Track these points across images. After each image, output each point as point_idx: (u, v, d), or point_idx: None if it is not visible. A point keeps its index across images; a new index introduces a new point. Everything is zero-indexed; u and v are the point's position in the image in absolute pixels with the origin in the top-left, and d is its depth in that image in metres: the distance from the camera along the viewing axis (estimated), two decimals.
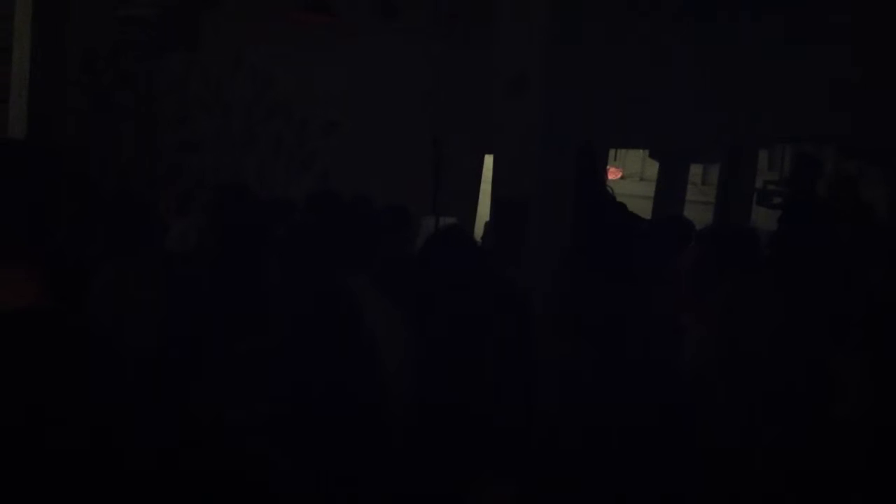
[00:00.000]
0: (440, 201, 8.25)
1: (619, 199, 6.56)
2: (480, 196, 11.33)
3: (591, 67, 5.83)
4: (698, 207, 12.53)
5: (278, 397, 3.18)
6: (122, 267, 4.42)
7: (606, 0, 6.53)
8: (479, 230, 9.42)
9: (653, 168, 14.12)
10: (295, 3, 9.27)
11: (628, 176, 16.94)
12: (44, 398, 2.75)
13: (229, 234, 4.45)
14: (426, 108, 10.10)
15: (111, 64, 8.64)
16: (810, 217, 6.34)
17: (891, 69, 8.82)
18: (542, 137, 4.98)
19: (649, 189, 13.49)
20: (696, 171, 13.62)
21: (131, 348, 3.16)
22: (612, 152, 15.40)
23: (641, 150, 15.03)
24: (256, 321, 3.58)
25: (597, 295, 3.90)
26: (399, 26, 9.81)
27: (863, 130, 10.01)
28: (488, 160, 10.11)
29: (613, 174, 14.69)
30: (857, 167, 13.66)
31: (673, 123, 10.92)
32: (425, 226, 7.17)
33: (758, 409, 3.28)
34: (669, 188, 12.79)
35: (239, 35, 9.44)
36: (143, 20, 7.73)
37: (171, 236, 4.80)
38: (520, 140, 4.96)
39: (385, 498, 3.09)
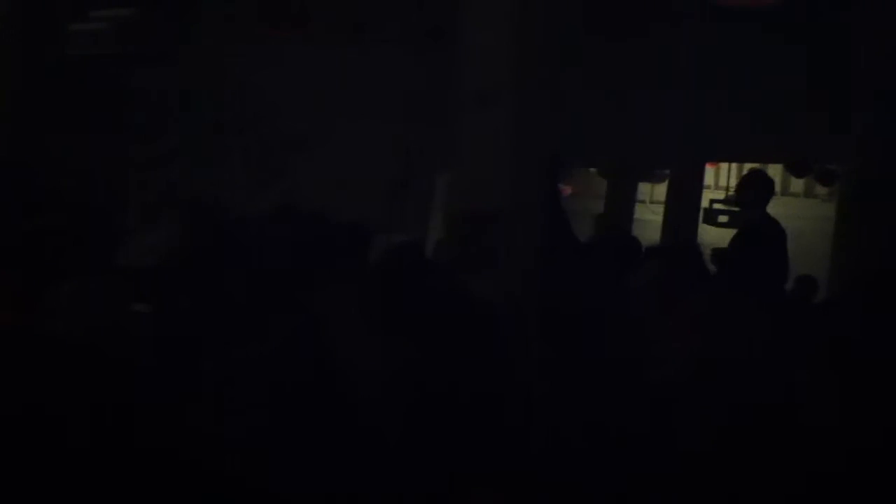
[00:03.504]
0: (394, 218, 8.28)
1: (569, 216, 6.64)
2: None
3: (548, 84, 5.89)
4: (648, 225, 12.70)
5: (274, 402, 3.24)
6: (92, 280, 4.40)
7: (570, 16, 6.62)
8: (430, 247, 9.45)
9: (601, 185, 14.26)
10: (271, 17, 9.25)
11: (579, 193, 17.09)
12: (26, 416, 2.77)
13: (208, 247, 4.47)
14: (391, 123, 10.13)
15: (77, 76, 8.58)
16: (763, 239, 6.39)
17: None
18: (513, 149, 5.04)
19: (598, 206, 13.60)
20: (645, 189, 13.81)
21: (111, 359, 3.19)
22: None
23: (590, 169, 15.18)
24: (243, 331, 3.62)
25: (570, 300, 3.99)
26: (370, 40, 9.83)
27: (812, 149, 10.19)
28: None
29: (563, 191, 14.83)
30: (804, 185, 13.95)
31: (623, 142, 11.06)
32: (378, 243, 7.16)
33: (730, 417, 3.37)
34: (618, 206, 12.95)
35: (212, 48, 9.40)
36: (97, 34, 7.69)
37: (140, 249, 4.80)
38: (488, 153, 5.03)
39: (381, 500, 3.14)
